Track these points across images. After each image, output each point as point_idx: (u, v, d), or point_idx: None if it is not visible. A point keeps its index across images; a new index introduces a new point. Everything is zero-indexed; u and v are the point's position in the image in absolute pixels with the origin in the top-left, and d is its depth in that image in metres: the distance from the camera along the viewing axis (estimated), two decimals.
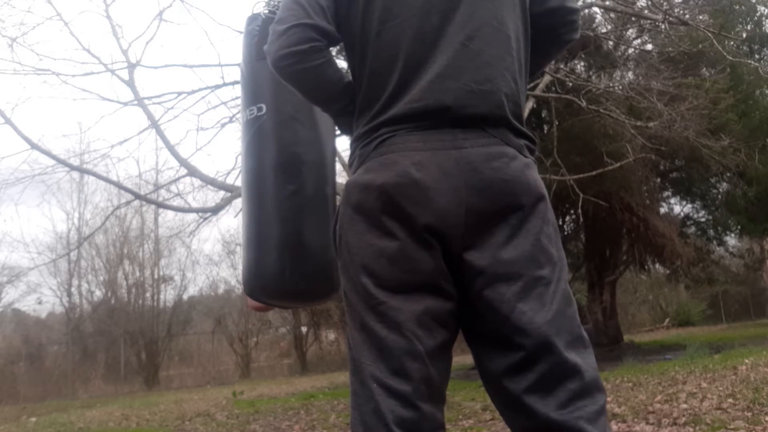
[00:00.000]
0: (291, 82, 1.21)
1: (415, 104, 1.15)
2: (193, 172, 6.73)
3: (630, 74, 9.70)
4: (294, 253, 1.31)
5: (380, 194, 1.14)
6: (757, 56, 11.65)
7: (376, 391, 1.10)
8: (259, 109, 1.38)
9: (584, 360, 1.13)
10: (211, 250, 35.21)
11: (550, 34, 1.32)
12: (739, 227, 13.12)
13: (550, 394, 1.09)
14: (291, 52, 1.15)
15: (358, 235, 1.17)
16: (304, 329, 18.69)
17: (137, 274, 19.05)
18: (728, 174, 11.31)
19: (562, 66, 8.90)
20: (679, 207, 14.26)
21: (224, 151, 30.10)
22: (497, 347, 1.15)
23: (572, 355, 1.12)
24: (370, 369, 1.12)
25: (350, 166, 1.24)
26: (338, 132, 1.32)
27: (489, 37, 1.18)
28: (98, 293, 19.11)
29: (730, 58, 7.65)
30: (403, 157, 1.14)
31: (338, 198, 1.36)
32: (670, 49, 8.13)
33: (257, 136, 1.37)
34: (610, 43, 9.75)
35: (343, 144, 11.41)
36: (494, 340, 1.16)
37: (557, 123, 9.12)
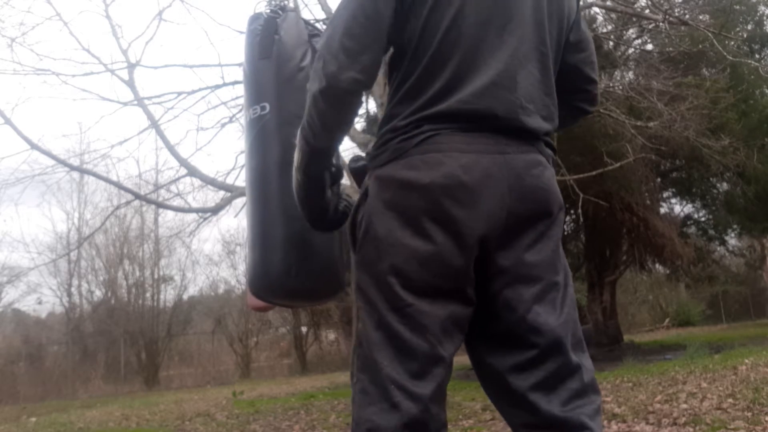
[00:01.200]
0: (338, 106, 1.17)
1: (466, 105, 1.14)
2: (193, 172, 6.73)
3: (630, 74, 9.71)
4: (300, 252, 1.31)
5: (424, 194, 1.12)
6: (757, 56, 11.66)
7: (392, 393, 1.08)
8: (263, 108, 1.37)
9: (584, 362, 1.18)
10: (211, 250, 35.25)
11: (562, 94, 1.30)
12: (738, 227, 13.14)
13: (553, 392, 1.14)
14: (360, 80, 1.14)
15: (388, 232, 1.14)
16: (304, 329, 18.68)
17: (137, 274, 19.05)
18: (728, 173, 11.31)
19: None
20: (679, 207, 14.29)
21: (224, 151, 30.17)
22: (507, 346, 1.17)
23: (575, 357, 1.17)
24: (387, 370, 1.10)
25: (376, 157, 1.19)
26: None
27: (536, 60, 1.20)
28: (98, 293, 19.12)
29: (731, 57, 7.65)
30: (449, 158, 1.13)
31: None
32: (671, 49, 8.14)
33: (261, 136, 1.37)
34: (611, 43, 9.75)
35: (343, 144, 11.37)
36: (506, 339, 1.18)
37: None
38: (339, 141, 1.26)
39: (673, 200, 14.07)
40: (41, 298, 19.12)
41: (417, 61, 1.16)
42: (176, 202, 7.67)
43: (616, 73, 9.98)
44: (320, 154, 1.24)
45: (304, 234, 1.32)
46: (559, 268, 1.21)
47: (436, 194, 1.11)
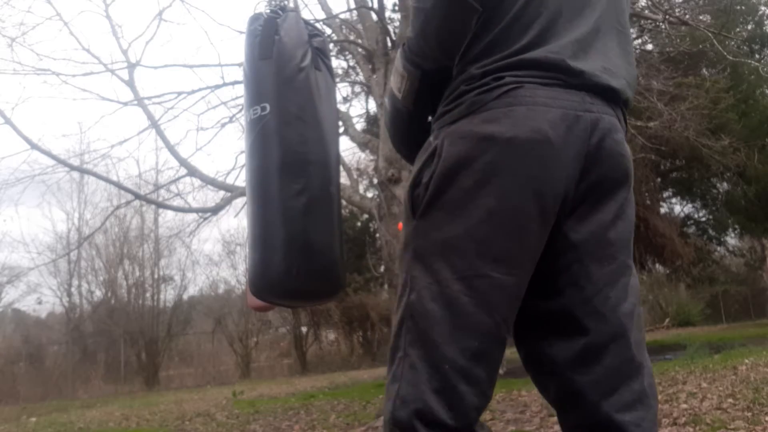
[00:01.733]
0: (456, 13, 1.05)
1: (552, 55, 1.05)
2: (193, 172, 6.73)
3: None
4: (300, 252, 1.30)
5: (507, 149, 1.01)
6: (757, 56, 11.68)
7: (448, 373, 0.98)
8: (263, 109, 1.37)
9: (646, 362, 1.09)
10: (211, 250, 35.24)
11: None
12: (738, 227, 13.15)
13: (615, 392, 1.05)
14: None
15: (463, 192, 1.02)
16: (304, 329, 18.70)
17: (137, 274, 19.07)
18: (728, 174, 11.33)
19: None
20: (679, 207, 14.31)
21: (224, 151, 30.15)
22: (561, 331, 1.07)
23: (638, 355, 1.08)
24: (444, 348, 0.98)
25: (448, 113, 1.08)
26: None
27: (615, 35, 1.15)
28: (98, 293, 19.14)
29: (731, 58, 7.66)
30: (534, 112, 1.02)
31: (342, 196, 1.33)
32: (670, 49, 8.15)
33: (261, 136, 1.37)
34: None
35: (342, 144, 11.44)
36: (560, 322, 1.07)
37: None
38: (451, 61, 1.12)
39: (673, 200, 14.11)
40: (41, 298, 19.16)
41: (503, 12, 1.08)
42: (176, 202, 7.67)
43: None
44: (430, 78, 1.14)
45: (305, 234, 1.32)
46: (631, 250, 1.11)
47: (520, 150, 1.00)
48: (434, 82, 1.15)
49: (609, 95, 1.10)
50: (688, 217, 14.18)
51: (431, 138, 1.10)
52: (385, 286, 7.71)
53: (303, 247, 1.31)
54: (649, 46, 9.63)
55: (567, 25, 1.09)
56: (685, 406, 4.22)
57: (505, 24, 1.07)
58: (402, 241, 1.11)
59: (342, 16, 7.44)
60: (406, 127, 1.23)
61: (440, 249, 1.03)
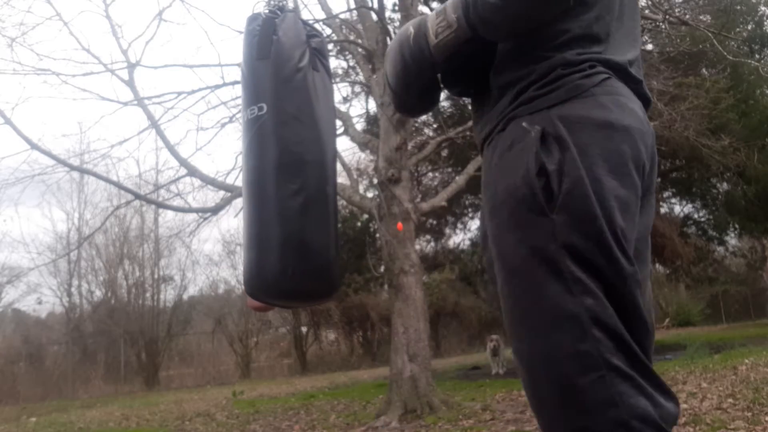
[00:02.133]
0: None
1: (629, 64, 1.09)
2: (193, 172, 6.73)
3: None
4: (296, 253, 1.30)
5: (627, 137, 0.99)
6: (757, 56, 11.67)
7: (652, 376, 0.93)
8: (260, 109, 1.37)
9: None
10: (211, 250, 35.27)
11: None
12: (738, 227, 13.15)
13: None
14: None
15: (598, 182, 0.95)
16: (304, 329, 18.70)
17: (137, 274, 19.07)
18: (728, 174, 11.32)
19: None
20: (679, 207, 14.30)
21: (224, 151, 30.27)
22: None
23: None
24: (638, 350, 0.93)
25: (543, 96, 1.04)
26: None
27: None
28: (98, 293, 19.15)
29: (731, 58, 7.66)
30: (632, 104, 1.04)
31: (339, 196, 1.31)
32: (670, 49, 8.15)
33: (258, 136, 1.37)
34: None
35: (342, 144, 11.43)
36: None
37: None
38: (505, 40, 1.09)
39: (673, 200, 14.10)
40: (41, 298, 19.18)
41: (585, 10, 1.06)
42: (176, 202, 7.67)
43: None
44: (473, 44, 1.10)
45: (301, 234, 1.31)
46: None
47: (635, 138, 1.00)
48: (472, 49, 1.11)
49: (647, 106, 1.14)
50: (687, 217, 14.18)
51: (524, 123, 1.03)
52: (385, 286, 7.70)
53: (299, 247, 1.31)
54: (649, 46, 9.62)
55: (627, 40, 1.13)
56: (685, 406, 4.22)
57: (587, 23, 1.06)
58: (531, 240, 0.98)
59: (342, 16, 7.45)
60: (420, 73, 1.17)
61: (596, 245, 0.94)
